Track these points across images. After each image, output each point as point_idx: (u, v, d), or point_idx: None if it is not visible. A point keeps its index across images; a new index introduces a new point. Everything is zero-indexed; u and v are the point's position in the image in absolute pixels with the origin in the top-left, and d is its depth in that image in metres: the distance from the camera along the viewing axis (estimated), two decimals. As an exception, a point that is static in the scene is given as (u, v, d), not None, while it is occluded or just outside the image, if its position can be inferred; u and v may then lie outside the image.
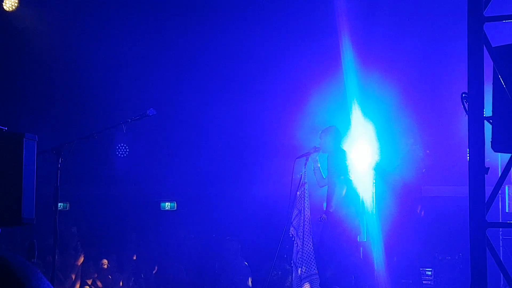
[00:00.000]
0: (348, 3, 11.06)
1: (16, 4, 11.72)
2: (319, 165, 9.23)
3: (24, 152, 5.55)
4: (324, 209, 9.23)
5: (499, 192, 10.88)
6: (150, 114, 7.58)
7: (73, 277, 10.03)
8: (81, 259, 10.12)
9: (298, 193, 9.08)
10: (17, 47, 12.45)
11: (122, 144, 13.26)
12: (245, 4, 12.42)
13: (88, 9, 12.16)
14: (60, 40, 12.31)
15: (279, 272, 10.63)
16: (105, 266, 10.60)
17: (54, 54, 12.41)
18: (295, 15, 12.17)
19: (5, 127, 5.74)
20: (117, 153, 13.43)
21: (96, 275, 10.75)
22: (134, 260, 11.84)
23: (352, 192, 9.15)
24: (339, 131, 9.23)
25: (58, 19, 12.24)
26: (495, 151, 5.14)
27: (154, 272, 11.49)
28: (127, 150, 13.28)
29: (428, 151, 11.64)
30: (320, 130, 9.34)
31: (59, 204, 13.13)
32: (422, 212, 10.38)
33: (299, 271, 8.91)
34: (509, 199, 10.97)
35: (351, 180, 9.07)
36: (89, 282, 10.54)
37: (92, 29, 12.21)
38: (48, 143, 7.18)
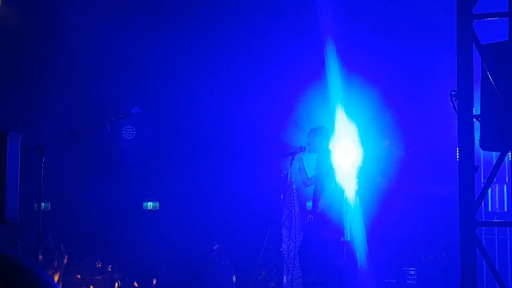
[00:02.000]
0: (332, 5, 11.08)
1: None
2: (304, 164, 9.19)
3: (7, 151, 5.46)
4: (309, 209, 9.20)
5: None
6: (135, 113, 7.50)
7: (56, 278, 9.93)
8: (65, 260, 10.01)
9: (287, 193, 9.06)
10: (-1, 45, 12.33)
11: (128, 127, 13.05)
12: (232, 6, 12.40)
13: (73, 5, 12.05)
14: (43, 38, 12.21)
15: (263, 272, 10.59)
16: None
17: (38, 52, 12.31)
18: (280, 17, 12.18)
19: (-12, 126, 5.66)
20: (124, 135, 13.17)
21: (79, 276, 10.65)
22: (117, 260, 11.76)
23: (339, 193, 9.12)
24: (328, 131, 9.20)
25: (41, 16, 12.14)
26: (483, 150, 5.13)
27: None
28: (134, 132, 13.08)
29: (410, 150, 11.66)
30: (306, 129, 9.30)
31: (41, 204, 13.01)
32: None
33: (294, 271, 8.91)
34: (491, 198, 11.01)
35: (336, 180, 9.04)
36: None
37: (76, 26, 12.10)
38: (32, 142, 7.09)
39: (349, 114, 10.05)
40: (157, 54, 12.70)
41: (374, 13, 11.56)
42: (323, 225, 8.86)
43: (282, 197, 9.04)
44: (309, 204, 11.34)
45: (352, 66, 10.67)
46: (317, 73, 10.77)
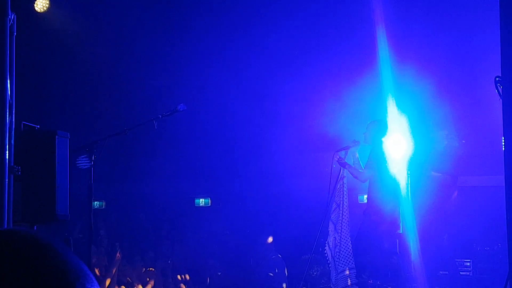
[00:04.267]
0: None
1: (47, 5, 11.82)
2: (358, 158, 9.16)
3: (56, 150, 5.59)
4: (361, 202, 9.17)
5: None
6: (181, 110, 7.57)
7: (113, 271, 10.07)
8: (118, 256, 10.15)
9: (337, 187, 9.03)
10: (48, 47, 12.56)
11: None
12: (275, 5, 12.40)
13: (118, 8, 12.21)
14: (90, 39, 12.41)
15: (319, 269, 10.55)
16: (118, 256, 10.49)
17: (84, 53, 12.52)
18: (331, 7, 12.10)
19: (38, 125, 5.79)
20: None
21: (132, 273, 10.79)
22: (170, 257, 11.88)
23: (393, 185, 9.07)
24: (386, 124, 9.16)
25: (89, 19, 12.34)
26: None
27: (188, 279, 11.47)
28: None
29: (463, 141, 11.49)
30: (358, 122, 9.30)
31: (95, 202, 13.28)
32: (456, 193, 10.24)
33: (337, 265, 8.88)
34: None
35: (390, 173, 8.99)
36: (129, 279, 10.59)
37: (121, 28, 12.27)
38: (81, 141, 7.22)
39: (401, 105, 9.95)
40: (201, 52, 12.76)
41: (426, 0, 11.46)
42: (379, 219, 8.82)
43: (337, 187, 8.99)
44: (361, 197, 11.29)
45: (404, 55, 10.55)
46: (368, 64, 10.68)
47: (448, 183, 10.09)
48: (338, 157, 9.12)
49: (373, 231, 8.81)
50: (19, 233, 1.34)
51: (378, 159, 8.97)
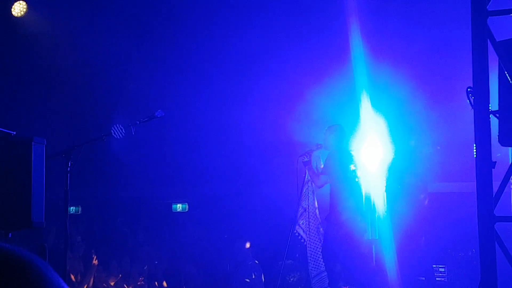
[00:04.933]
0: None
1: (25, 9, 11.79)
2: (321, 162, 9.19)
3: (33, 156, 5.59)
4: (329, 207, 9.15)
5: (512, 187, 10.91)
6: (158, 116, 7.59)
7: (91, 281, 10.05)
8: (95, 262, 10.12)
9: (303, 191, 9.08)
10: (25, 51, 12.52)
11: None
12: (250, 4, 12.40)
13: (95, 13, 12.21)
14: (68, 44, 12.37)
15: (293, 279, 10.57)
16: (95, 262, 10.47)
17: (62, 58, 12.48)
18: (303, 5, 12.10)
19: (14, 132, 5.78)
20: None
21: (109, 279, 10.77)
22: (146, 263, 11.86)
23: (355, 191, 9.09)
24: (344, 130, 9.17)
25: (66, 23, 12.31)
26: (502, 145, 5.13)
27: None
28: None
29: (439, 147, 11.59)
30: (326, 126, 9.32)
31: (71, 208, 13.21)
32: (426, 201, 10.34)
33: (310, 269, 8.94)
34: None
35: (354, 179, 9.00)
36: (105, 285, 10.56)
37: (99, 32, 12.26)
38: (57, 147, 7.22)
39: (376, 107, 9.95)
40: (178, 57, 12.78)
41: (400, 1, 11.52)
42: (339, 224, 8.82)
43: (303, 191, 9.03)
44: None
45: (379, 57, 10.58)
46: (341, 65, 10.69)
47: (420, 189, 10.16)
48: (304, 159, 9.17)
49: (336, 237, 8.83)
50: (0, 250, 1.33)
51: (334, 165, 8.96)
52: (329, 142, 9.03)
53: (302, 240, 9.11)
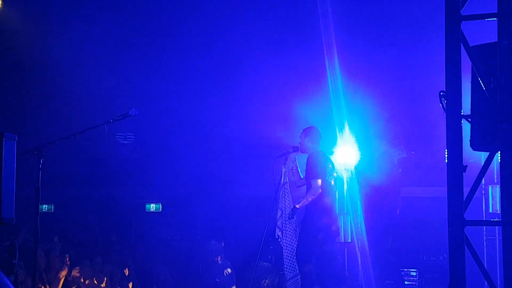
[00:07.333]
0: (332, 14, 11.08)
1: (-1, 5, 11.69)
2: (297, 164, 9.18)
3: (3, 152, 5.53)
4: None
5: (483, 192, 11.02)
6: (132, 114, 7.55)
7: (61, 276, 9.98)
8: (65, 272, 10.04)
9: (280, 193, 9.07)
10: (-2, 47, 12.44)
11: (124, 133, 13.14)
12: (232, 7, 12.42)
13: (72, 9, 12.14)
14: (41, 40, 12.29)
15: (267, 282, 10.59)
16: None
17: (36, 54, 12.39)
18: (281, 19, 12.19)
19: (-15, 127, 5.73)
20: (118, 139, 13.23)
21: (81, 278, 10.70)
22: (119, 262, 11.81)
23: (332, 194, 9.10)
24: (319, 132, 9.18)
25: (40, 19, 12.22)
26: (474, 150, 5.16)
27: (126, 274, 11.38)
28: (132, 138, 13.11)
29: (413, 152, 11.66)
30: (301, 129, 9.32)
31: (44, 206, 13.09)
32: (398, 211, 10.38)
33: (286, 272, 8.94)
34: (492, 200, 11.01)
35: (330, 181, 9.01)
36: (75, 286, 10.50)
37: (74, 29, 12.19)
38: (29, 144, 7.16)
39: (349, 115, 10.04)
40: (153, 55, 12.76)
41: (372, 14, 11.61)
42: (312, 226, 8.80)
43: (280, 194, 9.03)
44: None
45: (352, 69, 10.69)
46: (316, 72, 10.77)
47: (387, 193, 10.17)
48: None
49: (311, 240, 8.82)
50: None
51: (313, 167, 8.94)
52: (305, 145, 9.03)
53: (281, 243, 9.11)
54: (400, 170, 10.40)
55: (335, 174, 9.13)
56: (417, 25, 11.26)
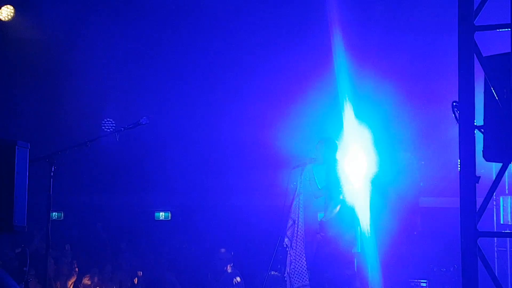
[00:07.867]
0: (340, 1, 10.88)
1: (12, 14, 11.76)
2: (314, 175, 9.17)
3: (16, 160, 5.54)
4: (319, 219, 9.18)
5: (494, 203, 10.97)
6: (143, 123, 7.57)
7: (69, 284, 10.00)
8: (73, 279, 10.05)
9: (294, 203, 9.06)
10: (11, 55, 12.48)
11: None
12: (234, 4, 12.35)
13: (82, 18, 12.19)
14: (54, 48, 12.35)
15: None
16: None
17: (48, 63, 12.45)
18: (285, 13, 12.09)
19: (-2, 135, 5.75)
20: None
21: (91, 287, 10.71)
22: (129, 269, 11.81)
23: (347, 204, 9.10)
24: (335, 142, 9.17)
25: (53, 28, 12.27)
26: (486, 161, 5.14)
27: (135, 282, 11.39)
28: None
29: (423, 162, 11.62)
30: (314, 139, 9.29)
31: (54, 213, 13.12)
32: (419, 220, 10.34)
33: (292, 281, 8.91)
34: (503, 211, 10.97)
35: (344, 192, 9.00)
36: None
37: (85, 37, 12.24)
38: (41, 151, 7.18)
39: (360, 117, 9.89)
40: (165, 64, 12.77)
41: (385, 8, 11.45)
42: (332, 237, 8.86)
43: (293, 204, 9.02)
44: (321, 215, 11.33)
45: (363, 66, 10.53)
46: (324, 75, 10.65)
47: (409, 204, 10.15)
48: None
49: (329, 250, 8.84)
50: None
51: (330, 177, 8.96)
52: (323, 157, 9.03)
53: (289, 254, 9.09)
54: (421, 184, 10.36)
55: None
56: (435, 12, 10.99)
